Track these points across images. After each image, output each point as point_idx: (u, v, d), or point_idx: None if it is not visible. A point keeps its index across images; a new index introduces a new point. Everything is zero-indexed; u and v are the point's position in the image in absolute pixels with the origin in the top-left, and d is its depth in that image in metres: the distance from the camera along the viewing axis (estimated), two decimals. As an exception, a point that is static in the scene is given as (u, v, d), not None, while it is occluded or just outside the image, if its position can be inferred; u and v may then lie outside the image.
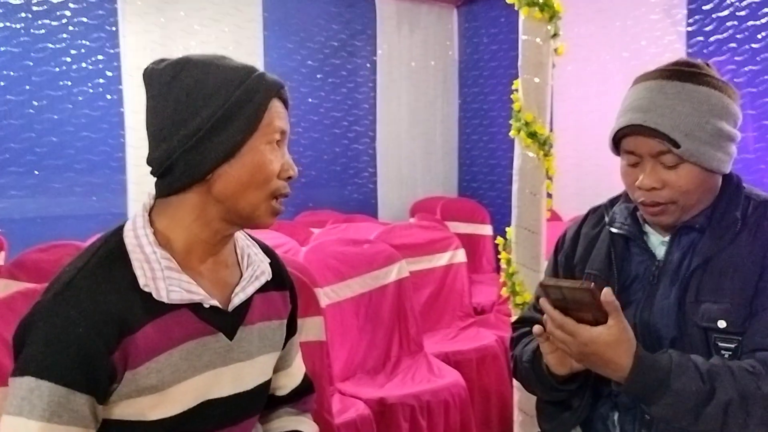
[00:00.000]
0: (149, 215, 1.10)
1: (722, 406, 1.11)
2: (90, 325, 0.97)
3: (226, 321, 1.12)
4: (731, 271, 1.21)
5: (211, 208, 1.07)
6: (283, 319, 1.26)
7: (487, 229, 4.68)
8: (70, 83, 3.85)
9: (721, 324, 1.19)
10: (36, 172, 3.75)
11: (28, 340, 0.97)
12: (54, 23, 3.78)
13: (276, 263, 1.27)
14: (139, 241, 1.05)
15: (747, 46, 3.48)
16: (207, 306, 1.08)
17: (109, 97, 3.96)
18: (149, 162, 1.09)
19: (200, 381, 1.08)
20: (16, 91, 3.68)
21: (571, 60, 3.40)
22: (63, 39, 3.82)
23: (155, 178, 1.10)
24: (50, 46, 3.78)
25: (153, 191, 1.12)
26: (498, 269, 3.11)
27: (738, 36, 3.52)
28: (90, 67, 3.92)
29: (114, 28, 3.94)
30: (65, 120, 3.84)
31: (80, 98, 3.88)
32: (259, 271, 1.19)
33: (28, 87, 3.72)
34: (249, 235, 1.26)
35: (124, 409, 1.02)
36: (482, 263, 4.55)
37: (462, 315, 3.44)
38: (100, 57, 3.94)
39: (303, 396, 1.37)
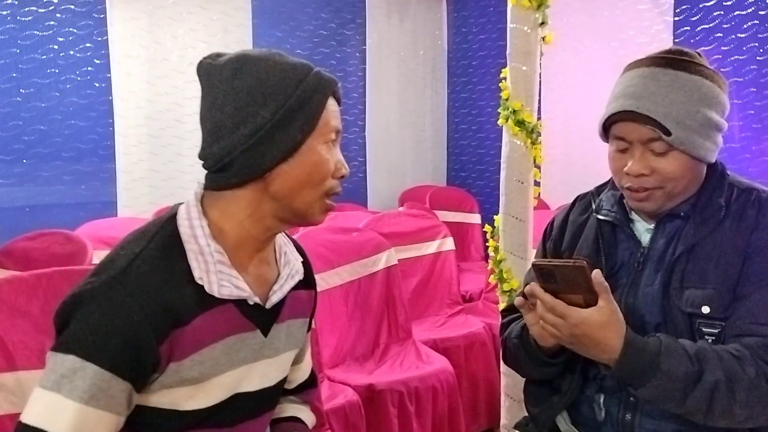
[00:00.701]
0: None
1: (709, 388, 1.13)
2: (145, 314, 0.97)
3: (264, 318, 1.13)
4: (715, 257, 1.23)
5: (266, 205, 1.08)
6: (307, 317, 1.28)
7: (475, 218, 4.70)
8: (57, 71, 3.81)
9: (705, 309, 1.21)
10: (24, 161, 3.72)
11: (76, 319, 0.96)
12: (41, 10, 3.74)
13: (306, 262, 1.28)
14: (194, 231, 1.05)
15: (733, 36, 3.49)
16: (251, 303, 1.09)
17: (97, 85, 3.93)
18: (203, 157, 1.08)
19: (234, 375, 1.10)
20: (2, 78, 3.64)
21: (559, 50, 3.40)
22: (50, 26, 3.78)
23: (207, 172, 1.10)
24: (37, 33, 3.74)
25: (202, 181, 1.11)
26: (486, 257, 3.13)
27: (725, 26, 3.54)
28: (78, 54, 3.88)
29: (102, 15, 3.91)
30: (53, 108, 3.81)
31: (68, 86, 3.85)
32: (294, 270, 1.20)
33: (14, 75, 3.68)
34: (285, 232, 1.26)
35: (160, 398, 1.04)
36: (470, 251, 4.57)
37: (450, 302, 3.46)
38: (88, 44, 3.91)
39: (306, 389, 1.40)
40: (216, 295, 1.04)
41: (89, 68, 3.92)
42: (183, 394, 1.04)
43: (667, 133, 1.21)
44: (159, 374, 1.01)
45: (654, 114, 1.22)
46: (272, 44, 4.56)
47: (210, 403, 1.07)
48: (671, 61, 1.26)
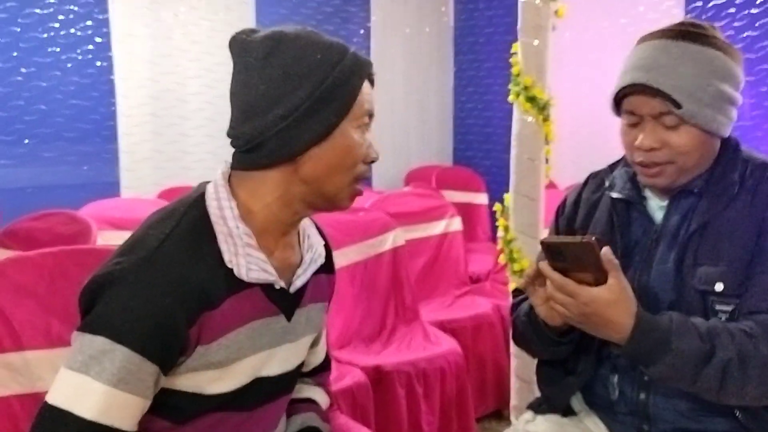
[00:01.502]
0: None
1: (721, 366, 1.11)
2: (176, 297, 0.96)
3: (287, 302, 1.12)
4: (728, 234, 1.21)
5: (295, 188, 1.06)
6: (326, 301, 1.27)
7: (482, 198, 4.66)
8: (58, 50, 3.77)
9: (719, 287, 1.19)
10: (25, 141, 3.69)
11: (104, 300, 0.95)
12: (41, -12, 3.70)
13: (328, 246, 1.27)
14: (222, 213, 1.04)
15: (746, 12, 3.44)
16: (278, 287, 1.08)
17: (98, 64, 3.89)
18: (233, 135, 1.06)
19: (257, 359, 1.09)
20: (2, 58, 3.60)
21: (568, 26, 3.35)
22: (51, 4, 3.73)
23: (236, 151, 1.07)
24: (37, 11, 3.69)
25: (229, 161, 1.09)
26: (494, 238, 3.11)
27: (737, 1, 3.48)
28: (78, 33, 3.83)
29: (102, -7, 3.87)
30: (54, 87, 3.77)
31: (69, 65, 3.81)
32: (317, 254, 1.19)
33: (15, 54, 3.64)
34: None
35: (185, 381, 1.03)
36: (477, 232, 4.54)
37: (458, 283, 3.44)
38: (88, 23, 3.86)
39: (319, 372, 1.39)
40: (245, 278, 1.03)
41: (90, 47, 3.88)
42: (207, 377, 1.04)
43: (678, 106, 1.19)
44: (186, 357, 1.01)
45: (664, 87, 1.19)
46: (275, 22, 4.47)
47: (232, 387, 1.07)
48: (683, 33, 1.24)
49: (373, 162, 1.11)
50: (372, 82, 1.10)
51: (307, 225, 1.21)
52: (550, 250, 1.18)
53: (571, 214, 1.45)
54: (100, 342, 0.93)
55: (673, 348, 1.12)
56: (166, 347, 0.97)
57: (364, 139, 1.08)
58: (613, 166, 1.44)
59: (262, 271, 1.05)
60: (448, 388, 2.57)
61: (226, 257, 1.02)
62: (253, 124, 1.02)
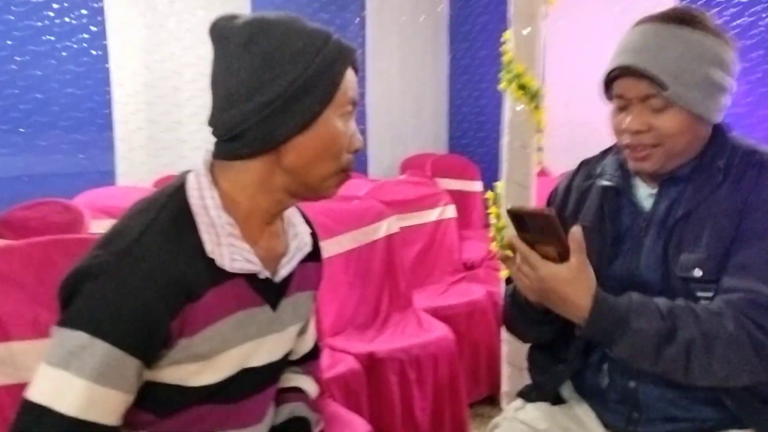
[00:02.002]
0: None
1: (684, 345, 1.11)
2: (157, 289, 0.94)
3: (272, 292, 1.11)
4: (710, 220, 1.21)
5: (278, 177, 1.04)
6: (313, 290, 1.26)
7: (477, 186, 4.66)
8: (53, 38, 3.75)
9: (697, 273, 1.20)
10: (21, 130, 3.69)
11: (84, 293, 0.93)
12: (35, -24, 3.68)
13: (315, 233, 1.25)
14: (204, 202, 1.02)
15: (739, -1, 3.44)
16: (262, 277, 1.07)
17: (93, 52, 3.88)
18: (214, 124, 1.04)
19: (243, 350, 1.08)
20: (-3, 46, 3.60)
21: (562, 14, 3.34)
22: (45, -8, 3.73)
23: (217, 140, 1.06)
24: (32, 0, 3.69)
25: (211, 150, 1.07)
26: (488, 225, 3.12)
27: (730, -12, 3.48)
28: (74, 21, 3.82)
29: (97, -19, 3.85)
30: (49, 76, 3.76)
31: (64, 54, 3.79)
32: (303, 243, 1.18)
33: (9, 42, 3.63)
34: None
35: (168, 374, 1.01)
36: (472, 219, 4.54)
37: (452, 270, 3.46)
38: (83, 11, 3.84)
39: (308, 360, 1.38)
40: (227, 269, 1.02)
41: (85, 35, 3.86)
42: (192, 370, 1.02)
43: (664, 88, 1.19)
44: (169, 350, 0.99)
45: (651, 68, 1.19)
46: (271, 10, 4.46)
47: (217, 378, 1.06)
48: (674, 17, 1.24)
49: (357, 151, 1.09)
50: (356, 70, 1.08)
51: (292, 213, 1.20)
52: (515, 219, 1.18)
53: (563, 202, 1.45)
54: (79, 337, 0.91)
55: (632, 327, 1.12)
56: (147, 341, 0.95)
57: (348, 128, 1.06)
58: (605, 153, 1.44)
59: (245, 261, 1.03)
60: (440, 374, 2.58)
61: (208, 247, 1.00)
62: (233, 112, 1.00)
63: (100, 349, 0.91)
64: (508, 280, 1.54)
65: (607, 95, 1.32)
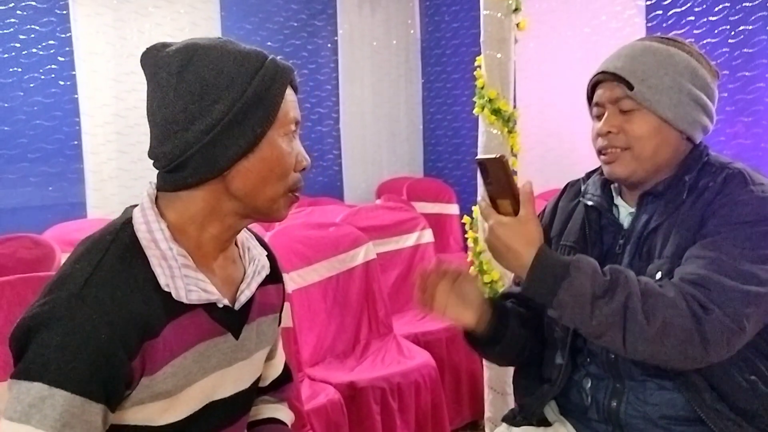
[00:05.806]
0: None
1: (622, 303, 1.12)
2: (113, 331, 0.90)
3: (234, 320, 1.08)
4: (674, 232, 1.24)
5: (226, 204, 1.02)
6: (277, 312, 1.23)
7: (453, 209, 4.68)
8: (20, 69, 3.72)
9: (657, 276, 1.22)
10: (-12, 163, 3.64)
11: (36, 343, 0.89)
12: (1, 7, 3.64)
13: (271, 255, 1.23)
14: (153, 236, 0.98)
15: (705, 19, 3.50)
16: (221, 306, 1.04)
17: (62, 83, 3.84)
18: (154, 156, 1.01)
19: (207, 383, 1.05)
20: (-37, 79, 3.55)
21: (533, 37, 3.38)
22: (11, 23, 3.68)
23: (160, 171, 1.03)
24: (-2, 31, 3.65)
25: (154, 182, 1.05)
26: (465, 248, 3.11)
27: (696, 9, 3.54)
28: (41, 52, 3.78)
29: (65, 12, 3.80)
30: (17, 108, 3.72)
31: (32, 85, 3.75)
32: (260, 266, 1.15)
33: (-25, 74, 3.60)
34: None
35: (133, 415, 0.98)
36: (449, 243, 4.55)
37: (431, 295, 3.43)
38: (51, 42, 3.81)
39: (281, 385, 1.34)
40: (184, 301, 0.98)
41: (53, 66, 3.83)
42: (156, 408, 0.99)
43: (630, 88, 1.24)
44: (132, 390, 0.95)
45: (621, 71, 1.26)
46: (241, 37, 4.44)
47: (184, 414, 1.02)
48: (654, 38, 1.33)
49: (304, 170, 1.07)
50: (295, 89, 1.07)
51: (246, 237, 1.18)
52: (480, 168, 1.22)
53: (548, 223, 1.47)
54: (37, 388, 0.88)
55: (572, 280, 1.13)
56: (109, 384, 0.91)
57: (293, 147, 1.04)
58: (589, 174, 1.46)
59: (202, 291, 1.00)
60: (422, 401, 2.56)
61: (162, 281, 0.97)
62: (173, 142, 0.98)
63: (60, 398, 0.88)
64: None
65: (591, 110, 1.37)
